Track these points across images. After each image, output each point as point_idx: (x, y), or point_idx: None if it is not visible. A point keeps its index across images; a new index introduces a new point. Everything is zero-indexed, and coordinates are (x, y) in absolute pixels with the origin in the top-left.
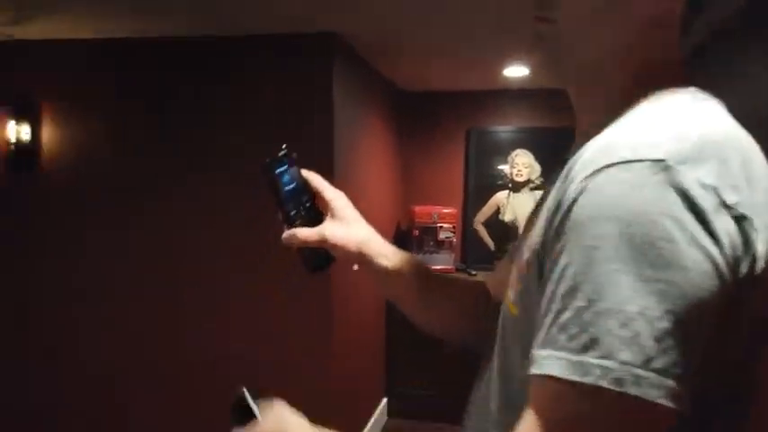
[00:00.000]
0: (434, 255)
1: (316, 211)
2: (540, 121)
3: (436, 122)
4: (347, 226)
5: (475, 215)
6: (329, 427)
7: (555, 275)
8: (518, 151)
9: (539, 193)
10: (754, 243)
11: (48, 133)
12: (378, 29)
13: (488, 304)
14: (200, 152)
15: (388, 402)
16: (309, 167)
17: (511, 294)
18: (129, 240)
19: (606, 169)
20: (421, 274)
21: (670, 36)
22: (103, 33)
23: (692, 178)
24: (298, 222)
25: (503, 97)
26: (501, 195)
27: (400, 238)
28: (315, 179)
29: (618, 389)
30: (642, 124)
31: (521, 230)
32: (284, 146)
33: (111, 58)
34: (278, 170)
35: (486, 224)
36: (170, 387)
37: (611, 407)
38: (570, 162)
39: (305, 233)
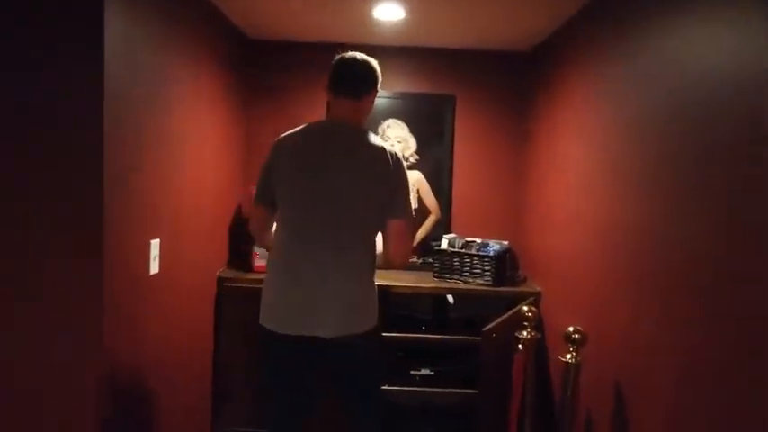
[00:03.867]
0: None
1: None
2: (416, 86)
3: (292, 81)
4: None
5: None
6: None
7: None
8: (389, 122)
9: (415, 175)
10: None
11: None
12: None
13: None
14: None
15: None
16: None
17: None
18: None
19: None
20: None
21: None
22: None
23: None
24: None
25: (373, 54)
26: None
27: (240, 226)
28: None
29: None
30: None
31: None
32: None
33: None
34: None
35: None
36: None
37: None
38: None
39: None
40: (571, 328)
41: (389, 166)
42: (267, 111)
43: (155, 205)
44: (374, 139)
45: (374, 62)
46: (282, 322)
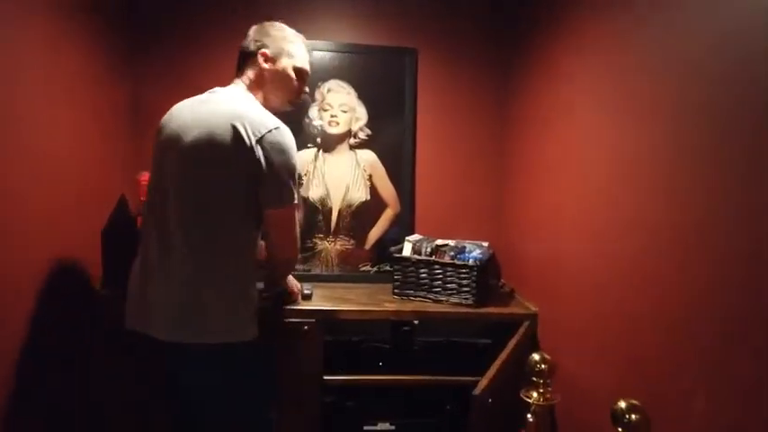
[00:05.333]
0: None
1: None
2: (366, 37)
3: (196, 30)
4: None
5: None
6: None
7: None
8: (331, 84)
9: (365, 155)
10: None
11: None
12: None
13: None
14: None
15: None
16: None
17: None
18: None
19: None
20: None
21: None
22: None
23: None
24: None
25: None
26: (306, 157)
27: (122, 228)
28: None
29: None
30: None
31: (336, 212)
32: None
33: None
34: None
35: None
36: None
37: None
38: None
39: None
40: (623, 404)
41: (250, 148)
42: (161, 69)
43: None
44: (241, 115)
45: (266, 25)
46: (129, 316)
